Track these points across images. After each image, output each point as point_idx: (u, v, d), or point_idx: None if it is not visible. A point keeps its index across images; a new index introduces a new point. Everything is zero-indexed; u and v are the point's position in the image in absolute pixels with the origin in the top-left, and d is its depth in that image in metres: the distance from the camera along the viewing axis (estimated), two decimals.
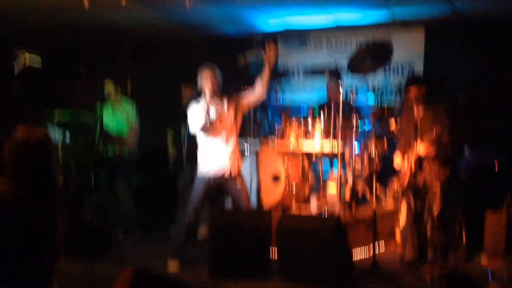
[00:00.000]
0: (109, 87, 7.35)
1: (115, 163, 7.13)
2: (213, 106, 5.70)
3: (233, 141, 5.80)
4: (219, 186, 5.86)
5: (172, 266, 5.66)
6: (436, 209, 5.63)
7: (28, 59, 7.95)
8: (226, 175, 5.74)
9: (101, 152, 7.05)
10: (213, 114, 5.68)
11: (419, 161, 5.70)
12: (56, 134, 7.07)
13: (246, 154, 6.68)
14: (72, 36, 9.72)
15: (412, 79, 5.94)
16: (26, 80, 8.17)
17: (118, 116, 7.35)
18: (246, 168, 6.50)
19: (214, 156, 5.71)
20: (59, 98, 8.86)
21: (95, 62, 10.08)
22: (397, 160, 5.92)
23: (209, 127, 5.64)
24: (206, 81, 5.69)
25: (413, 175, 5.74)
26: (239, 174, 5.88)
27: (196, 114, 5.66)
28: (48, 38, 9.51)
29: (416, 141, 5.66)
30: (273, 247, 5.44)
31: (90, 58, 10.22)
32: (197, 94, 6.14)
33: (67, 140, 7.15)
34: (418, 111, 5.78)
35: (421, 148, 5.61)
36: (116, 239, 6.81)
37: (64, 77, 9.56)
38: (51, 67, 8.86)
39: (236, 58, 7.49)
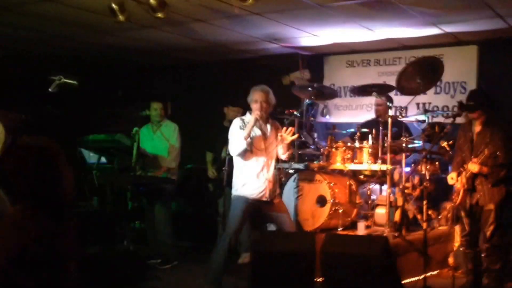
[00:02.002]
0: (153, 110, 7.51)
1: (154, 187, 7.25)
2: (258, 128, 5.82)
3: (274, 165, 5.91)
4: (259, 211, 5.93)
5: None
6: (489, 233, 5.64)
7: (64, 84, 8.23)
8: (266, 200, 5.83)
9: (139, 175, 7.17)
10: (256, 137, 5.78)
11: (472, 180, 5.74)
12: (91, 158, 7.27)
13: (290, 176, 6.77)
14: (110, 59, 10.10)
15: (474, 99, 5.98)
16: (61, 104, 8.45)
17: (159, 139, 7.48)
18: (290, 191, 6.61)
19: (254, 180, 5.78)
20: (96, 123, 9.12)
21: (134, 85, 10.43)
22: (451, 178, 5.95)
23: (249, 151, 5.74)
24: (256, 102, 5.79)
25: (466, 196, 5.78)
26: (280, 198, 6.00)
27: (238, 136, 5.75)
28: (86, 63, 9.91)
29: (470, 160, 5.71)
30: (318, 272, 5.46)
31: (129, 81, 10.57)
32: (241, 115, 6.29)
33: (104, 163, 7.33)
34: (476, 130, 5.83)
35: (473, 166, 5.65)
36: (152, 269, 6.90)
37: (102, 101, 9.88)
38: (88, 92, 9.18)
39: (279, 77, 7.65)
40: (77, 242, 2.80)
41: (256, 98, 5.81)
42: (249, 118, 5.82)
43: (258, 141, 5.79)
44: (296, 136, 5.95)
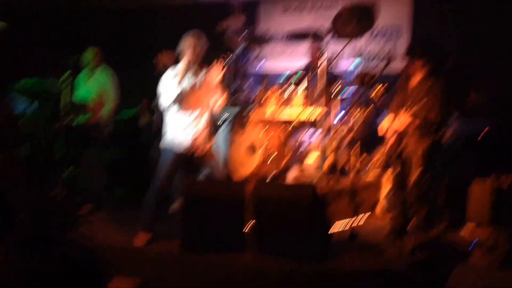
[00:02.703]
0: (88, 55, 7.28)
1: (85, 134, 7.09)
2: (191, 77, 5.67)
3: (206, 114, 5.81)
4: (190, 159, 5.86)
5: (142, 239, 5.70)
6: (415, 178, 5.70)
7: None
8: (197, 149, 5.76)
9: (69, 122, 6.99)
10: (188, 84, 5.64)
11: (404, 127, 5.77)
12: (21, 104, 7.06)
13: (222, 123, 6.70)
14: (42, 3, 9.72)
15: (417, 47, 5.92)
16: None
17: (93, 85, 7.27)
18: (222, 137, 6.54)
19: (185, 130, 5.69)
20: (27, 67, 8.83)
21: (67, 30, 10.11)
22: (385, 124, 5.95)
23: (182, 99, 5.60)
24: (188, 48, 5.62)
25: (397, 143, 5.80)
26: (210, 148, 5.92)
27: (170, 84, 5.60)
28: (16, 7, 9.52)
29: (405, 109, 5.70)
30: (248, 218, 5.46)
31: (64, 26, 10.23)
32: (174, 63, 6.14)
33: (34, 110, 7.14)
34: (417, 79, 5.81)
35: (404, 118, 5.67)
36: (84, 215, 6.82)
37: (34, 45, 9.56)
38: (20, 36, 8.84)
39: (213, 24, 7.49)
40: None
41: (188, 44, 5.64)
42: (180, 67, 5.67)
43: (191, 90, 5.66)
44: (223, 71, 5.84)
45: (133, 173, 7.78)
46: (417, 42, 5.99)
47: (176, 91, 5.55)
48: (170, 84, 5.60)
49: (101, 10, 10.20)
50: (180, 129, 5.70)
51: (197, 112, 5.71)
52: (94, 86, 7.25)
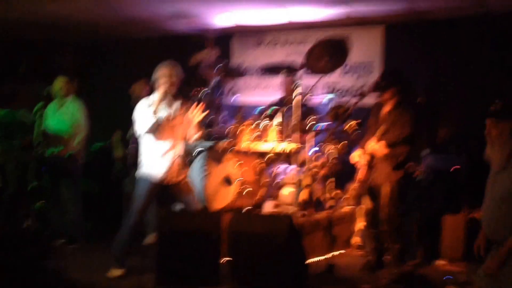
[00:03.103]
0: (57, 84, 7.19)
1: (58, 165, 6.98)
2: (164, 106, 5.65)
3: (181, 144, 5.78)
4: (165, 191, 5.81)
5: (115, 275, 5.61)
6: (386, 213, 5.74)
7: None
8: (172, 180, 5.73)
9: (41, 153, 6.89)
10: (163, 115, 5.62)
11: (372, 159, 5.82)
12: None
13: (196, 155, 6.69)
14: (14, 34, 9.64)
15: (387, 79, 6.00)
16: None
17: (63, 116, 7.17)
18: (197, 170, 6.52)
19: (161, 160, 5.64)
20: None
21: (39, 61, 10.03)
22: (357, 156, 6.00)
23: (157, 129, 5.57)
24: (163, 77, 5.59)
25: (368, 174, 5.85)
26: (186, 179, 5.90)
27: (145, 114, 5.57)
28: None
29: (375, 137, 5.76)
30: (224, 251, 5.42)
31: (33, 57, 10.15)
32: (149, 93, 6.11)
33: (3, 141, 7.05)
34: (385, 110, 5.89)
35: (370, 145, 5.73)
36: (57, 249, 6.69)
37: (5, 76, 9.47)
38: None
39: (187, 56, 7.52)
40: None
41: (162, 73, 5.61)
42: (155, 97, 5.65)
43: (165, 120, 5.64)
44: (205, 113, 5.83)
45: (106, 206, 7.68)
46: (385, 75, 6.07)
47: (151, 121, 5.52)
48: (145, 113, 5.57)
49: (75, 41, 10.16)
50: (156, 158, 5.65)
51: (171, 143, 5.68)
52: (65, 116, 7.12)
